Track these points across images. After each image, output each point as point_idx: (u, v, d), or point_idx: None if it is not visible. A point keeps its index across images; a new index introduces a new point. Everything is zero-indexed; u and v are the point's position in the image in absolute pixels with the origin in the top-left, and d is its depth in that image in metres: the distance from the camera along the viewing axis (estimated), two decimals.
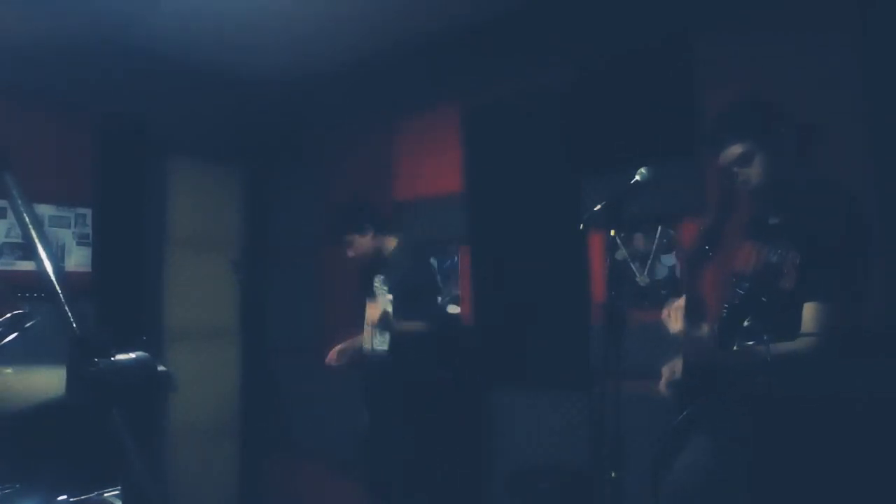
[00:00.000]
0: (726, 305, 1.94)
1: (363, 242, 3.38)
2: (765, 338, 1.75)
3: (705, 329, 1.94)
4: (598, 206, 2.04)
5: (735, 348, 1.84)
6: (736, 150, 1.87)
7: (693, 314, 1.84)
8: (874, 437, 1.64)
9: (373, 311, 3.17)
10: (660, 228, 2.91)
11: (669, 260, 2.89)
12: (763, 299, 1.81)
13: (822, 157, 2.03)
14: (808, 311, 1.72)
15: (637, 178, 2.03)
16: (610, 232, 2.10)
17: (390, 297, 3.22)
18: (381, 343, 3.25)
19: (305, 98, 4.46)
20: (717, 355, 1.82)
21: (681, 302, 1.90)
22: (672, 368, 2.03)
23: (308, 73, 4.24)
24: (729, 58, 2.74)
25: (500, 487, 3.32)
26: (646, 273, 2.95)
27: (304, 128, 4.55)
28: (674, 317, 1.88)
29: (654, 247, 2.93)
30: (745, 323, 1.84)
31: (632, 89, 3.03)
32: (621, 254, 2.98)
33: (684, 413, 1.90)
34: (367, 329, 3.33)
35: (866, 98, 2.41)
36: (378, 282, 3.34)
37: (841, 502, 1.63)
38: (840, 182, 1.87)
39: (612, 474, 1.92)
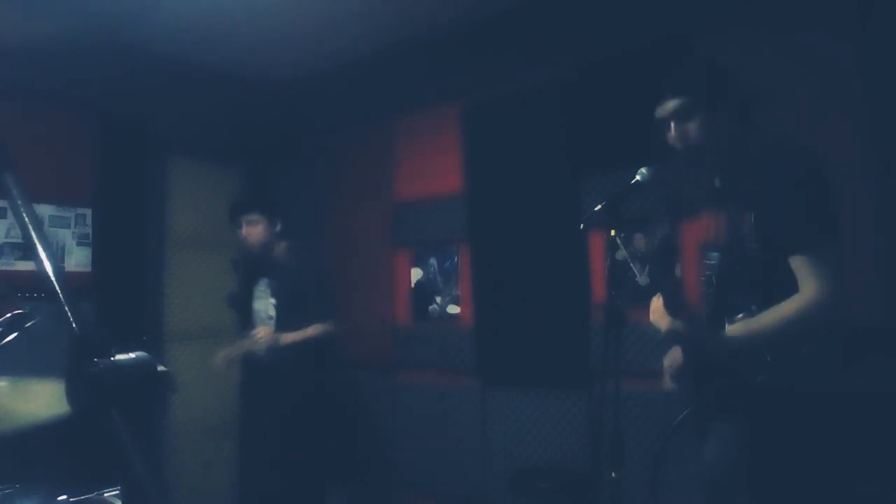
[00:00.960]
0: (703, 280, 1.92)
1: (253, 232, 3.31)
2: (752, 308, 1.74)
3: (693, 313, 1.89)
4: (598, 206, 2.04)
5: (727, 325, 1.80)
6: (674, 103, 1.82)
7: (672, 303, 1.78)
8: (881, 434, 1.65)
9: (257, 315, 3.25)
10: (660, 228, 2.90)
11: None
12: (735, 267, 1.78)
13: (771, 125, 1.94)
14: (794, 265, 1.66)
15: (637, 178, 2.03)
16: (610, 232, 2.10)
17: (273, 301, 3.26)
18: (263, 348, 3.27)
19: (305, 97, 4.46)
20: (712, 338, 1.77)
21: (657, 300, 1.85)
22: (672, 359, 2.02)
23: (308, 73, 4.24)
24: (729, 58, 2.73)
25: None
26: (646, 273, 2.95)
27: (304, 127, 4.55)
28: (657, 315, 1.82)
29: (654, 247, 2.93)
30: (728, 298, 1.81)
31: (632, 89, 3.03)
32: (621, 254, 2.98)
33: (684, 413, 1.90)
34: (253, 333, 3.29)
35: (866, 98, 2.41)
36: (262, 285, 3.36)
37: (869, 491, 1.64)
38: (794, 142, 1.81)
39: (612, 474, 1.92)
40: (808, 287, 1.64)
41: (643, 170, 2.03)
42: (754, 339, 1.70)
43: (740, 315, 1.78)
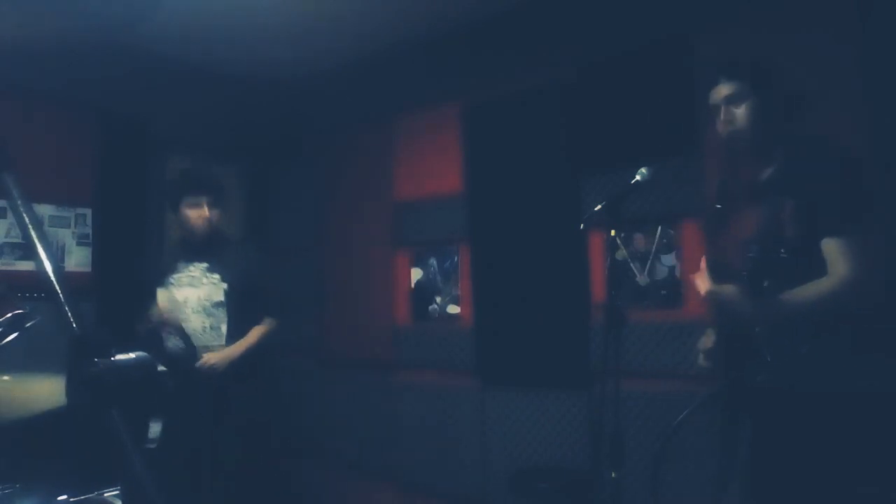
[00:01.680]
0: (744, 274, 1.95)
1: (199, 214, 2.95)
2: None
3: (734, 279, 1.95)
4: (598, 206, 2.04)
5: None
6: (727, 88, 1.91)
7: (716, 273, 1.86)
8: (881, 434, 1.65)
9: (192, 297, 2.91)
10: (660, 228, 2.91)
11: (669, 260, 2.89)
12: (776, 255, 1.85)
13: (811, 122, 2.05)
14: (826, 248, 1.75)
15: (637, 178, 2.03)
16: (610, 232, 2.10)
17: (224, 286, 2.94)
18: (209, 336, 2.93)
19: (306, 97, 4.46)
20: (749, 303, 1.82)
21: (702, 265, 1.93)
22: (707, 340, 2.03)
23: (308, 73, 4.24)
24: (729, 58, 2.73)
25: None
26: (646, 273, 2.95)
27: (304, 127, 4.55)
28: (700, 280, 1.89)
29: (654, 247, 2.93)
30: (765, 284, 1.86)
31: (632, 89, 3.03)
32: (621, 254, 2.98)
33: (685, 412, 1.90)
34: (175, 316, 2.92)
35: (866, 98, 2.41)
36: (198, 269, 2.98)
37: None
38: (830, 138, 1.91)
39: (612, 474, 1.92)
40: (838, 268, 1.72)
41: (643, 170, 2.03)
42: (788, 310, 1.76)
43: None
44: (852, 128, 2.41)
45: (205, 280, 2.96)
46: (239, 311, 2.98)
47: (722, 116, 1.93)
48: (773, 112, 1.90)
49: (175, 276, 2.97)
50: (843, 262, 1.72)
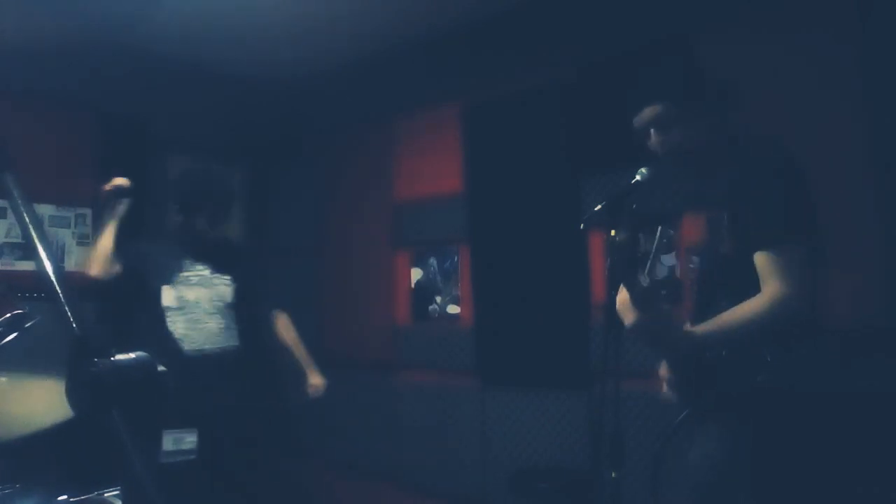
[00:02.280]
0: (691, 285, 1.90)
1: (203, 217, 2.87)
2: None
3: (659, 309, 1.81)
4: (598, 206, 2.04)
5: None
6: (652, 111, 1.81)
7: (639, 298, 1.73)
8: (878, 433, 1.64)
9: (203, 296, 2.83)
10: (660, 228, 2.90)
11: (669, 260, 2.89)
12: (715, 269, 1.76)
13: (742, 120, 1.91)
14: (757, 262, 1.62)
15: (637, 178, 2.03)
16: (610, 232, 2.10)
17: (234, 286, 2.90)
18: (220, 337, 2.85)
19: (306, 97, 4.46)
20: (674, 333, 1.72)
21: (622, 293, 1.80)
22: (663, 370, 2.02)
23: (308, 73, 4.24)
24: (729, 58, 2.73)
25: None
26: (646, 273, 2.94)
27: (304, 127, 4.55)
28: (624, 308, 1.77)
29: (654, 247, 2.93)
30: (709, 299, 1.79)
31: (632, 89, 3.02)
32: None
33: (685, 412, 1.90)
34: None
35: (866, 98, 2.41)
36: (208, 268, 2.90)
37: (853, 495, 1.63)
38: (767, 137, 1.78)
39: (612, 474, 1.91)
40: (768, 285, 1.60)
41: (643, 170, 2.03)
42: (716, 337, 1.65)
43: None
44: (852, 128, 2.42)
45: (216, 280, 2.89)
46: (247, 311, 2.96)
47: (653, 139, 1.82)
48: (707, 121, 1.79)
49: (182, 274, 2.84)
50: (774, 279, 1.59)
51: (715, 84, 1.82)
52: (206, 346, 2.80)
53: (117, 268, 2.68)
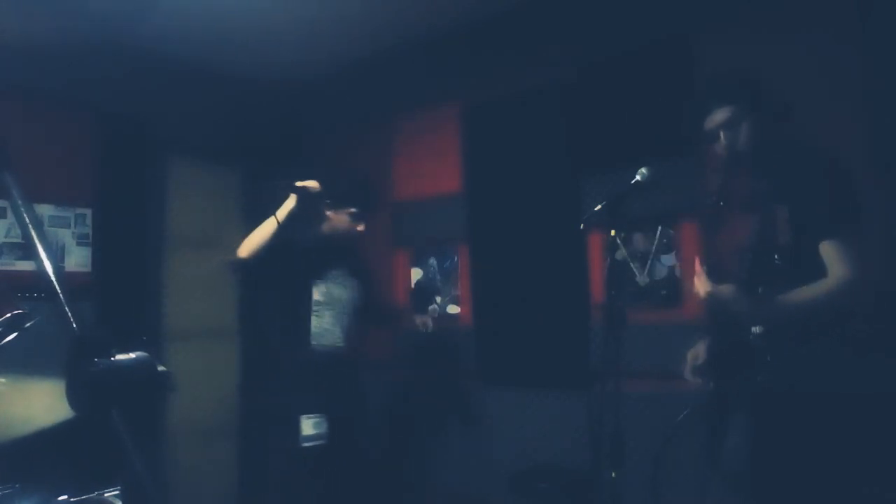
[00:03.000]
0: (739, 282, 1.95)
1: (344, 220, 2.93)
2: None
3: (730, 288, 1.94)
4: (598, 206, 2.04)
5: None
6: (722, 114, 1.93)
7: (714, 274, 1.88)
8: (879, 433, 1.65)
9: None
10: (660, 228, 2.91)
11: (669, 260, 2.89)
12: (771, 262, 1.85)
13: (799, 129, 2.06)
14: (824, 251, 1.78)
15: (637, 178, 2.03)
16: (610, 232, 2.10)
17: (359, 291, 2.99)
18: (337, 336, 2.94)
19: (305, 97, 4.46)
20: (749, 302, 1.82)
21: (698, 267, 1.95)
22: (696, 353, 2.04)
23: (308, 73, 4.24)
24: (729, 58, 2.74)
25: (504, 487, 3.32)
26: (646, 273, 2.95)
27: (303, 128, 4.55)
28: (698, 281, 1.91)
29: (654, 247, 2.93)
30: (759, 291, 1.86)
31: (632, 89, 3.03)
32: (621, 254, 2.98)
33: (685, 412, 1.90)
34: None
35: (866, 97, 2.41)
36: (343, 267, 2.97)
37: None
38: (817, 143, 1.93)
39: (612, 474, 1.92)
40: (837, 269, 1.75)
41: (643, 170, 2.03)
42: (788, 310, 1.77)
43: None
44: (852, 128, 2.42)
45: (347, 284, 2.96)
46: (362, 317, 3.04)
47: (722, 141, 1.95)
48: (768, 125, 1.93)
49: (332, 272, 2.92)
50: (841, 264, 1.74)
51: (773, 92, 1.97)
52: (342, 343, 2.91)
53: (263, 254, 2.73)
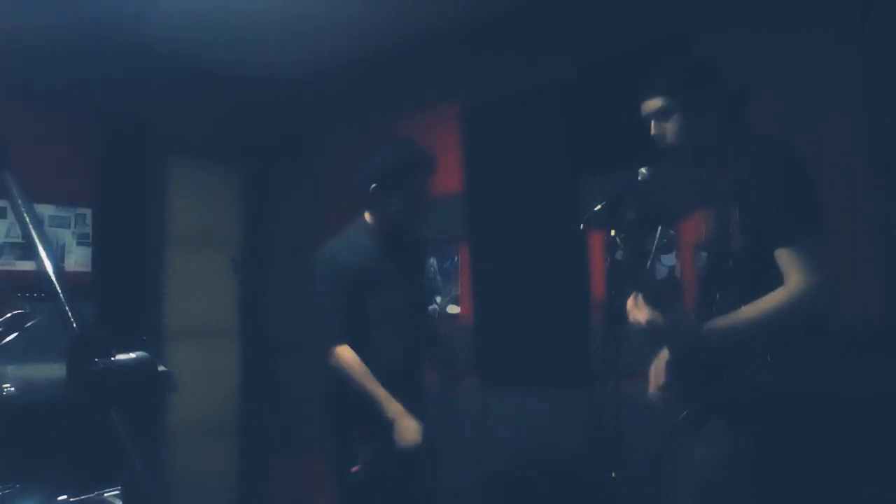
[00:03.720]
0: (697, 280, 1.91)
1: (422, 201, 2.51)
2: (742, 307, 1.70)
3: (674, 306, 1.85)
4: (598, 206, 2.04)
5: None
6: (654, 103, 1.83)
7: (652, 295, 1.76)
8: (879, 434, 1.64)
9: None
10: (660, 228, 2.90)
11: (669, 260, 2.89)
12: (722, 265, 1.76)
13: (754, 121, 1.91)
14: (780, 258, 1.64)
15: (637, 178, 2.03)
16: (610, 232, 2.10)
17: (424, 292, 2.75)
18: None
19: (305, 98, 4.46)
20: (694, 330, 1.71)
21: (633, 297, 1.83)
22: (657, 372, 2.01)
23: (308, 73, 4.24)
24: (729, 58, 2.73)
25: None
26: (646, 273, 2.94)
27: (304, 128, 4.55)
28: (637, 310, 1.78)
29: (654, 247, 2.92)
30: (717, 296, 1.79)
31: (632, 89, 3.02)
32: (621, 254, 2.98)
33: (685, 412, 1.90)
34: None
35: (866, 98, 2.41)
36: (400, 264, 2.58)
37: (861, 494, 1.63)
38: (774, 136, 1.80)
39: (612, 474, 1.91)
40: (791, 279, 1.61)
41: (643, 170, 2.03)
42: (737, 332, 1.66)
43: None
44: (852, 128, 2.42)
45: (412, 282, 2.60)
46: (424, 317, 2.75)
47: (652, 131, 1.86)
48: (710, 118, 1.80)
49: (383, 276, 2.49)
50: (798, 272, 1.60)
51: (720, 81, 1.82)
52: (404, 357, 2.55)
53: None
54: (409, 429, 2.31)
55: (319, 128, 4.46)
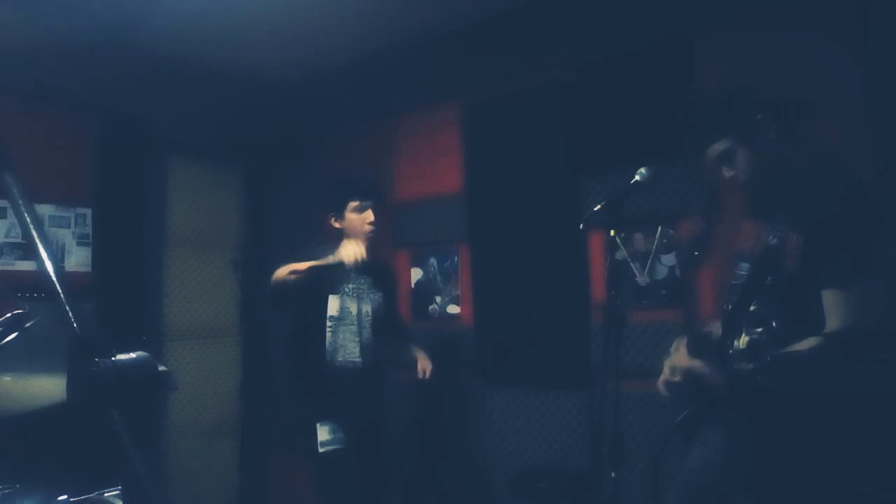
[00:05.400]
0: (729, 288, 1.89)
1: (367, 219, 2.90)
2: (773, 324, 1.71)
3: (716, 356, 1.82)
4: (598, 206, 2.04)
5: (742, 337, 1.78)
6: (720, 146, 1.81)
7: (697, 345, 1.77)
8: (879, 434, 1.64)
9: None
10: (660, 228, 2.91)
11: (669, 260, 2.89)
12: (766, 281, 1.73)
13: (810, 131, 1.94)
14: (828, 299, 1.62)
15: (637, 178, 2.03)
16: (610, 232, 2.10)
17: (382, 303, 2.96)
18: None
19: (306, 97, 4.46)
20: (734, 379, 1.71)
21: (680, 345, 1.83)
22: (672, 367, 2.00)
23: (308, 73, 4.24)
24: (729, 58, 2.74)
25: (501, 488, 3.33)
26: (646, 273, 2.95)
27: (304, 127, 4.55)
28: (681, 358, 1.79)
29: (654, 247, 2.93)
30: (752, 308, 1.78)
31: (632, 89, 3.03)
32: (621, 254, 2.98)
33: (685, 412, 1.90)
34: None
35: (866, 98, 2.41)
36: (367, 281, 2.94)
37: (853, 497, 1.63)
38: (835, 157, 1.78)
39: (612, 474, 1.92)
40: (832, 322, 1.61)
41: (643, 170, 2.03)
42: (777, 379, 1.65)
43: (759, 329, 1.76)
44: (852, 130, 2.42)
45: (372, 295, 2.95)
46: (383, 328, 2.99)
47: (725, 174, 1.83)
48: (769, 146, 1.79)
49: (348, 285, 2.88)
50: (840, 317, 1.59)
51: (768, 108, 1.81)
52: (359, 358, 2.86)
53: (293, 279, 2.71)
54: (347, 247, 2.66)
55: (319, 128, 4.46)
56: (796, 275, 1.67)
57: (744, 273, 1.85)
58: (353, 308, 2.88)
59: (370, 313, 2.92)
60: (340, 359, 2.83)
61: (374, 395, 2.96)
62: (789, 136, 1.83)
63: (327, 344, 2.81)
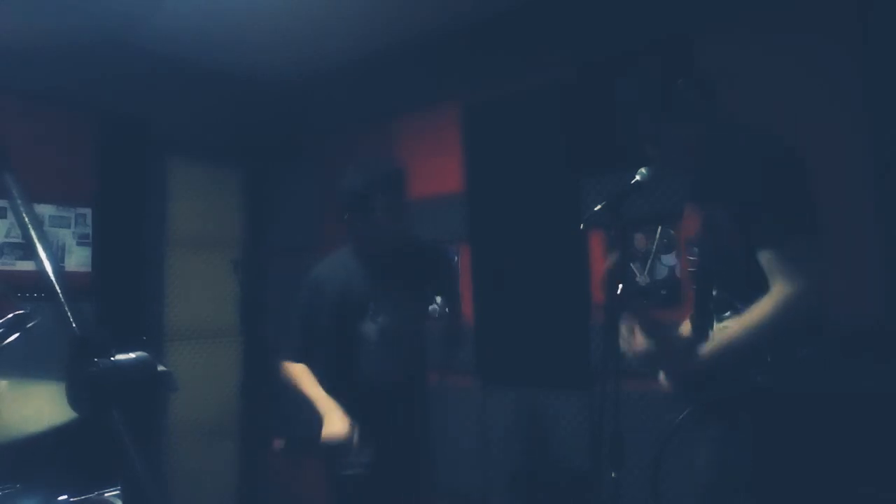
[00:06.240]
0: (690, 276, 1.88)
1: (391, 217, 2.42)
2: (738, 305, 1.70)
3: (668, 334, 1.82)
4: (598, 206, 2.04)
5: (715, 324, 1.77)
6: (635, 125, 1.81)
7: (646, 325, 1.75)
8: (878, 434, 1.64)
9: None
10: (660, 228, 2.91)
11: (669, 260, 2.89)
12: (716, 263, 1.73)
13: (728, 106, 1.87)
14: (764, 261, 1.58)
15: (637, 178, 2.03)
16: (610, 232, 2.10)
17: (427, 303, 2.67)
18: None
19: (306, 97, 4.46)
20: (690, 358, 1.70)
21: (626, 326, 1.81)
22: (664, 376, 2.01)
23: (308, 73, 4.24)
24: (729, 58, 2.74)
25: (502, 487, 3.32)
26: (646, 273, 2.95)
27: (304, 128, 4.55)
28: (634, 339, 1.78)
29: (654, 247, 2.93)
30: (714, 293, 1.77)
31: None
32: (621, 254, 2.98)
33: (685, 412, 1.90)
34: None
35: (866, 99, 2.41)
36: (392, 279, 2.51)
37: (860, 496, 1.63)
38: (759, 130, 1.73)
39: (612, 474, 1.91)
40: (776, 285, 1.57)
41: (643, 170, 2.03)
42: (731, 350, 1.64)
43: (727, 313, 1.77)
44: (852, 130, 2.42)
45: (409, 295, 2.50)
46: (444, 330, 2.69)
47: (644, 149, 1.83)
48: (688, 119, 1.75)
49: (372, 294, 2.42)
50: (782, 278, 1.55)
51: (698, 86, 1.78)
52: (396, 377, 2.51)
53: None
54: (333, 423, 2.33)
55: (319, 128, 4.46)
56: (736, 248, 1.65)
57: (694, 258, 1.86)
58: (385, 320, 2.48)
59: (412, 320, 2.55)
60: (379, 381, 2.49)
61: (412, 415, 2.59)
62: (712, 106, 1.79)
63: (359, 368, 2.48)
